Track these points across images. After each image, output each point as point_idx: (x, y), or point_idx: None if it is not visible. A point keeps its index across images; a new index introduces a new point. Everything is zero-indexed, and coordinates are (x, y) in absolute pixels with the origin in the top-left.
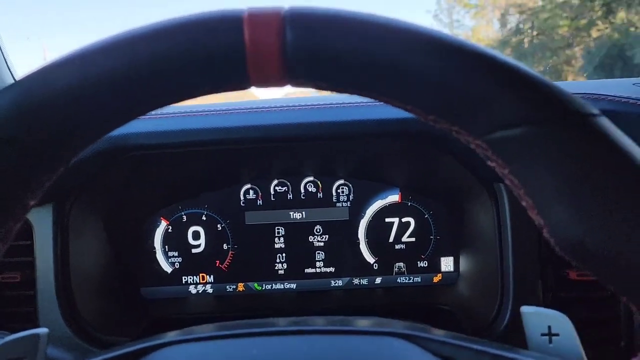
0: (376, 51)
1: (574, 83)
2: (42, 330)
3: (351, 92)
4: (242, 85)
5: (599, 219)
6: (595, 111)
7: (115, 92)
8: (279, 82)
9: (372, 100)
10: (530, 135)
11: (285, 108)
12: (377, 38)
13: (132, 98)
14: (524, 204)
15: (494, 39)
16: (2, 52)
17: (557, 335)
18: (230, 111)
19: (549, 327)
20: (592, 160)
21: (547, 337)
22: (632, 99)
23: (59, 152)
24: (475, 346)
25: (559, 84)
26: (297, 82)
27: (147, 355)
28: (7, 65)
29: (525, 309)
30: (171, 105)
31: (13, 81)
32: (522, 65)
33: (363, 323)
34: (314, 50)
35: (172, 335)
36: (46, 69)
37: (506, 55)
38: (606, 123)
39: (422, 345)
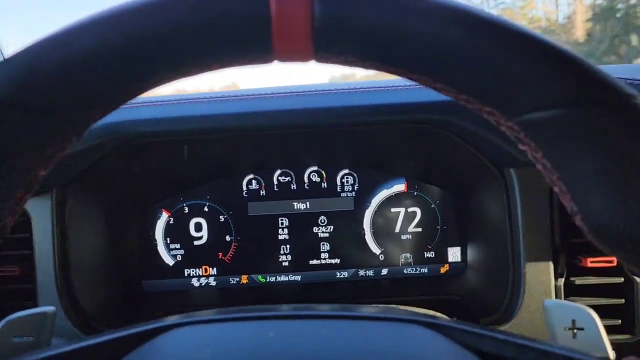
0: (408, 25)
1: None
2: (50, 308)
3: (381, 69)
4: (265, 58)
5: (637, 206)
6: (635, 93)
7: (134, 59)
8: (305, 56)
9: (380, 84)
10: (567, 118)
11: (288, 94)
12: (409, 11)
13: (151, 66)
14: (556, 189)
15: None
16: None
17: (581, 329)
18: (232, 98)
19: (573, 321)
20: (634, 144)
21: (570, 331)
22: None
23: (71, 119)
24: (499, 336)
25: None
26: (325, 56)
27: (156, 337)
28: None
29: (548, 303)
30: (188, 78)
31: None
32: (559, 43)
33: (381, 311)
34: (345, 22)
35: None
36: (62, 32)
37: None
38: None
39: (445, 334)
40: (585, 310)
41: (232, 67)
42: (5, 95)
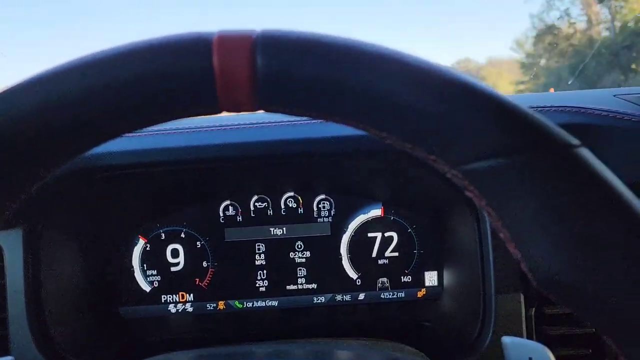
0: (349, 77)
1: (557, 95)
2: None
3: (324, 119)
4: (211, 110)
5: (577, 254)
6: (575, 142)
7: (79, 117)
8: (249, 107)
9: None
10: (506, 167)
11: (262, 125)
12: (350, 64)
13: (98, 121)
14: (501, 235)
15: None
16: None
17: None
18: (204, 129)
19: (530, 359)
20: (571, 193)
21: None
22: (612, 112)
23: (22, 177)
24: None
25: (541, 96)
26: (269, 107)
27: None
28: None
29: (506, 339)
30: (140, 129)
31: None
32: (499, 93)
33: (345, 355)
34: (286, 75)
35: None
36: (8, 91)
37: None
38: (587, 154)
39: None
40: (541, 349)
41: (181, 118)
42: None
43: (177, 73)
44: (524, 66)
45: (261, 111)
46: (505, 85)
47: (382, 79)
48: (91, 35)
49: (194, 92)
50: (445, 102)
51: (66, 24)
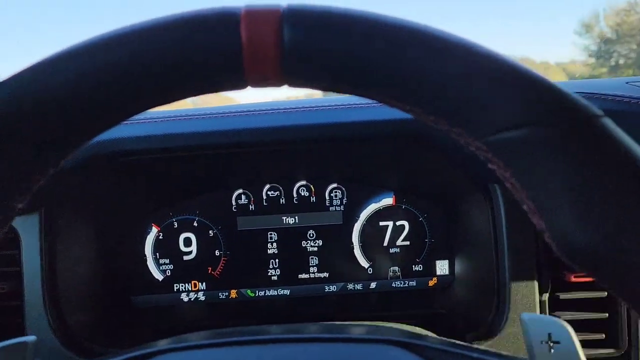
0: (375, 50)
1: (570, 82)
2: (30, 338)
3: (350, 93)
4: (238, 85)
5: (604, 223)
6: (600, 112)
7: (108, 90)
8: (276, 82)
9: (366, 100)
10: (533, 137)
11: (276, 111)
12: (376, 37)
13: (127, 96)
14: (525, 207)
15: None
16: None
17: (557, 343)
18: (219, 114)
19: (549, 335)
20: (597, 162)
21: (547, 345)
22: (627, 97)
23: (48, 152)
24: (473, 354)
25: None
26: (296, 82)
27: None
28: None
29: (525, 316)
30: (165, 105)
31: None
32: (525, 65)
33: (359, 330)
34: (313, 49)
35: (164, 344)
36: (35, 66)
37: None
38: (611, 124)
39: (419, 354)
40: (560, 324)
41: (207, 94)
42: None
43: (204, 47)
44: (594, 54)
45: (286, 86)
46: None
47: (406, 52)
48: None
49: (222, 66)
50: (469, 74)
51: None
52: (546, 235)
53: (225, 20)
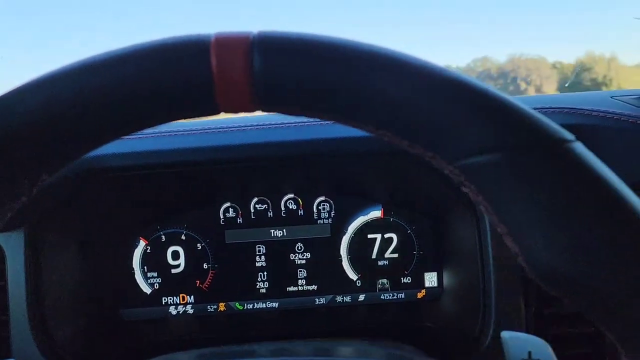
0: (345, 76)
1: (553, 97)
2: None
3: (322, 118)
4: (210, 111)
5: (572, 246)
6: (570, 137)
7: (77, 119)
8: (247, 108)
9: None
10: (503, 162)
11: (264, 126)
12: (346, 63)
13: (97, 125)
14: (499, 230)
15: None
16: None
17: None
18: (205, 131)
19: (529, 353)
20: (565, 187)
21: None
22: (610, 112)
23: (19, 180)
24: None
25: (538, 98)
26: (267, 108)
27: None
28: None
29: (505, 334)
30: (138, 131)
31: None
32: (496, 90)
33: (346, 351)
34: (284, 76)
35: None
36: (11, 94)
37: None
38: (581, 149)
39: None
40: (540, 342)
41: (178, 120)
42: None
43: (175, 75)
44: None
45: (259, 112)
46: None
47: (377, 77)
48: (86, 40)
49: (192, 93)
50: (440, 98)
51: (64, 30)
52: (519, 258)
53: (196, 47)
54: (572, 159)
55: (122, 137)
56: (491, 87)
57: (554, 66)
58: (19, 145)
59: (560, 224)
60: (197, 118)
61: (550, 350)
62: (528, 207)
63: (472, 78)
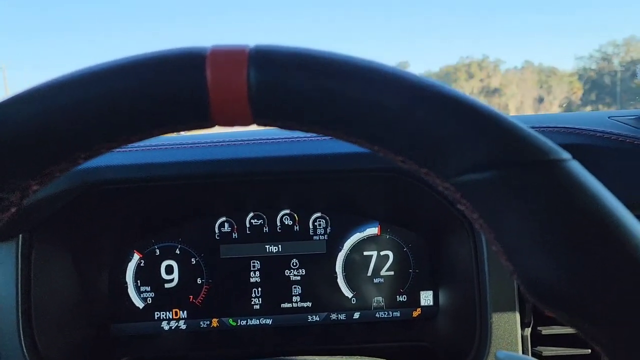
0: (343, 91)
1: (551, 116)
2: None
3: (317, 132)
4: (204, 124)
5: (567, 265)
6: (566, 156)
7: (71, 131)
8: (243, 122)
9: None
10: (498, 179)
11: (261, 141)
12: (343, 78)
13: (89, 135)
14: (494, 248)
15: None
16: None
17: None
18: (202, 144)
19: None
20: (561, 205)
21: None
22: (607, 133)
23: (9, 190)
24: None
25: (536, 117)
26: (262, 121)
27: None
28: None
29: (500, 354)
30: (131, 143)
31: None
32: (491, 107)
33: None
34: (279, 90)
35: None
36: (10, 100)
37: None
38: (577, 168)
39: None
40: None
41: (174, 132)
42: None
43: (170, 87)
44: None
45: (254, 125)
46: None
47: (373, 92)
48: (79, 51)
49: (188, 106)
50: (435, 115)
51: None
52: (514, 276)
53: (191, 60)
54: (567, 177)
55: (114, 149)
56: (486, 104)
57: None
58: (10, 154)
59: (555, 242)
60: (190, 131)
61: None
62: (523, 226)
63: (467, 95)
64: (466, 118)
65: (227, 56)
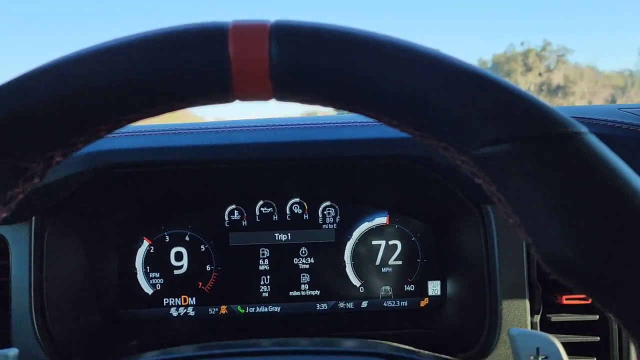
0: (362, 66)
1: (561, 107)
2: (12, 350)
3: (338, 107)
4: (225, 98)
5: (586, 236)
6: (583, 129)
7: (95, 102)
8: (264, 96)
9: (361, 118)
10: (516, 152)
11: (272, 127)
12: (363, 53)
13: (112, 107)
14: (511, 221)
15: None
16: None
17: (545, 357)
18: (213, 129)
19: (538, 349)
20: (578, 177)
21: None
22: (618, 122)
23: (35, 161)
24: None
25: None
26: (283, 96)
27: None
28: None
29: (513, 331)
30: (152, 117)
31: None
32: (509, 81)
33: (348, 344)
34: (301, 64)
35: (152, 355)
36: (26, 76)
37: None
38: (593, 140)
39: None
40: (548, 339)
41: (194, 107)
42: None
43: (192, 61)
44: None
45: (273, 100)
46: None
47: (392, 67)
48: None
49: (209, 80)
50: (454, 88)
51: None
52: (532, 249)
53: (213, 35)
54: (585, 149)
55: (133, 122)
56: (504, 78)
57: None
58: (36, 124)
59: (573, 214)
60: (211, 106)
61: (558, 346)
62: (541, 197)
63: (486, 70)
64: (485, 92)
65: (249, 31)
